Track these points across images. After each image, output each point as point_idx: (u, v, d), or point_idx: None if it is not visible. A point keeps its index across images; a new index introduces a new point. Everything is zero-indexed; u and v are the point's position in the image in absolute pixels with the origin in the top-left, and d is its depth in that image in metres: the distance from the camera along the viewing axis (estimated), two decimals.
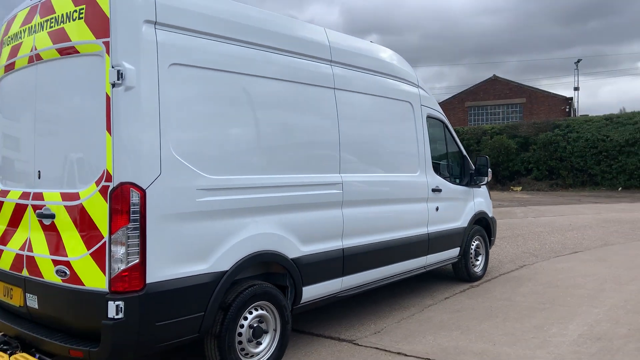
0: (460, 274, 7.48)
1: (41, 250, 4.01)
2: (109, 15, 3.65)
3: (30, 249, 4.11)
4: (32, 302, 4.06)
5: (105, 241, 3.63)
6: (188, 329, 3.94)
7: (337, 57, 5.39)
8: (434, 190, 6.63)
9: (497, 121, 41.09)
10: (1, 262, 4.44)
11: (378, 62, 6.04)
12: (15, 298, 4.27)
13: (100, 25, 3.69)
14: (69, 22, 3.88)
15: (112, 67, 3.60)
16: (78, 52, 3.84)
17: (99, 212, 3.67)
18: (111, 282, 3.60)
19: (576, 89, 46.23)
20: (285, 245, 4.63)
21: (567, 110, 42.69)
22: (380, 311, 6.25)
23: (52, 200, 3.98)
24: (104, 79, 3.65)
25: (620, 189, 25.73)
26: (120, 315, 3.54)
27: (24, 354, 3.91)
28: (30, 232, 4.15)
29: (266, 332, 4.50)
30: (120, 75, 3.57)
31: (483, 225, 7.79)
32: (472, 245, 7.51)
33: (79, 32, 3.81)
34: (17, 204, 4.32)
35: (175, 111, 3.85)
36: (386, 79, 6.09)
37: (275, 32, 4.77)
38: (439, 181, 6.77)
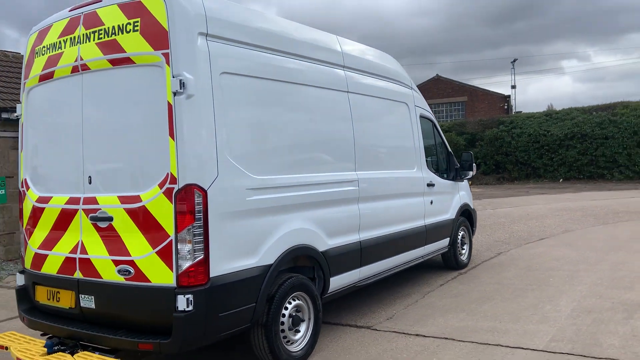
0: (449, 262, 8.03)
1: (97, 252, 4.18)
2: (167, 29, 3.89)
3: (84, 252, 4.26)
4: (88, 302, 4.22)
5: (171, 240, 3.86)
6: (243, 319, 4.22)
7: (348, 63, 5.78)
8: (428, 185, 7.14)
9: (441, 119, 42.50)
10: (45, 267, 4.55)
11: (380, 66, 6.48)
12: (64, 300, 4.41)
13: (158, 37, 3.92)
14: (122, 34, 4.07)
15: (174, 77, 3.84)
16: (133, 63, 4.04)
17: (164, 213, 3.89)
18: (179, 277, 3.84)
19: (513, 87, 48.47)
20: (316, 239, 4.97)
21: (505, 107, 44.71)
22: (385, 300, 6.68)
23: (108, 203, 4.15)
24: (164, 88, 3.88)
25: (561, 180, 27.40)
26: (190, 308, 3.79)
27: (86, 352, 4.08)
28: (82, 235, 4.30)
29: (303, 320, 4.83)
30: (182, 84, 3.82)
31: (466, 216, 8.38)
32: (459, 235, 8.09)
33: (134, 44, 4.01)
34: (63, 210, 4.44)
35: (225, 117, 4.13)
36: (387, 82, 6.54)
37: (304, 41, 5.12)
38: (432, 176, 7.28)
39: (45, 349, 4.18)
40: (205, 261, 3.90)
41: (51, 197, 4.59)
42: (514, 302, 6.32)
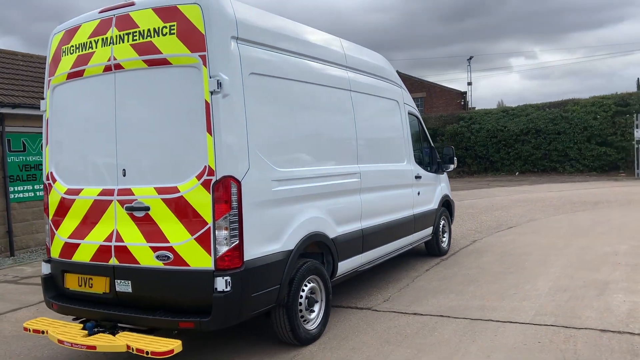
0: (431, 249, 8.60)
1: (134, 239, 4.47)
2: (203, 32, 4.21)
3: (119, 240, 4.54)
4: (124, 287, 4.50)
5: (209, 227, 4.21)
6: (270, 299, 4.61)
7: (350, 63, 6.22)
8: (416, 177, 7.67)
9: None
10: (77, 255, 4.80)
11: (374, 65, 6.94)
12: (98, 286, 4.67)
13: (195, 40, 4.24)
14: (158, 36, 4.36)
15: (211, 77, 4.18)
16: (170, 64, 4.34)
17: (201, 202, 4.23)
18: (217, 261, 4.20)
19: (469, 83, 50.02)
20: (327, 226, 5.40)
21: (462, 103, 46.10)
22: (379, 284, 7.18)
23: (145, 194, 4.45)
24: (201, 87, 4.21)
25: (517, 173, 28.69)
26: (228, 289, 4.15)
27: (126, 332, 4.38)
28: (117, 224, 4.58)
29: (317, 301, 5.25)
30: (219, 84, 4.17)
31: (446, 206, 8.97)
32: (441, 224, 8.66)
33: (171, 46, 4.31)
34: (96, 201, 4.70)
35: (253, 114, 4.49)
36: (380, 80, 7.01)
37: (317, 44, 5.54)
38: (419, 169, 7.82)
39: (85, 331, 4.46)
40: (240, 246, 4.27)
41: (82, 189, 4.83)
42: (496, 284, 6.92)
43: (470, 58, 50.04)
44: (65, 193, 4.94)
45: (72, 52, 4.87)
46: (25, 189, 11.37)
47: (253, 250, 4.39)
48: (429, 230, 8.23)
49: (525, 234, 10.45)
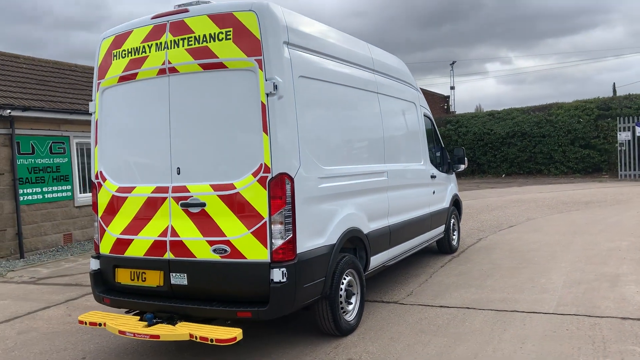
0: (442, 247, 8.91)
1: (190, 234, 4.67)
2: (259, 38, 4.45)
3: (174, 235, 4.74)
4: (180, 279, 4.70)
5: (265, 221, 4.44)
6: (317, 291, 4.85)
7: (376, 67, 6.50)
8: (431, 176, 7.98)
9: None
10: (130, 251, 4.98)
11: (395, 69, 7.24)
12: (151, 280, 4.86)
13: (251, 45, 4.47)
14: (214, 41, 4.58)
15: (267, 80, 4.41)
16: (226, 67, 4.56)
17: (257, 198, 4.46)
18: (272, 254, 4.43)
19: (452, 87, 50.93)
20: (362, 223, 5.66)
21: (445, 107, 46.82)
22: (399, 280, 7.45)
23: (200, 191, 4.66)
24: (258, 89, 4.45)
25: (503, 175, 29.30)
26: (284, 280, 4.38)
27: (185, 322, 4.58)
28: (172, 220, 4.77)
29: (354, 294, 5.51)
30: (274, 87, 4.41)
31: (456, 205, 9.30)
32: (451, 222, 8.99)
33: (227, 51, 4.54)
34: (149, 198, 4.90)
35: (301, 115, 4.73)
36: (400, 83, 7.31)
37: (352, 49, 5.84)
38: (433, 169, 8.13)
39: (144, 322, 4.64)
40: (294, 240, 4.51)
41: (134, 187, 5.02)
42: (512, 278, 7.25)
43: (453, 63, 51.01)
44: (116, 191, 5.12)
45: (123, 56, 5.06)
46: (34, 191, 11.42)
47: (304, 244, 4.63)
48: (442, 228, 8.54)
49: (528, 232, 10.84)
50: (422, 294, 6.76)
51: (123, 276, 5.06)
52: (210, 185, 4.64)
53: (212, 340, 4.21)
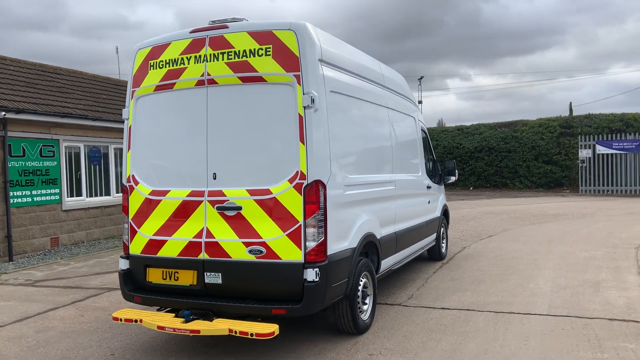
0: (433, 254, 9.39)
1: (225, 236, 4.96)
2: (298, 55, 4.82)
3: (210, 236, 5.02)
4: (214, 279, 4.98)
5: (300, 225, 4.78)
6: (341, 291, 5.21)
7: (386, 83, 6.95)
8: (427, 187, 8.47)
9: None
10: (163, 251, 5.23)
11: (399, 84, 7.72)
12: (184, 279, 5.12)
13: (289, 62, 4.83)
14: (254, 56, 4.92)
15: (305, 94, 4.78)
16: (264, 81, 4.91)
17: (293, 203, 4.80)
18: (306, 255, 4.77)
19: (420, 102, 52.10)
20: (376, 228, 6.06)
21: None
22: (397, 285, 7.87)
23: (237, 195, 4.96)
24: (295, 102, 4.81)
25: (471, 188, 30.31)
26: (317, 279, 4.73)
27: (220, 319, 4.86)
28: (207, 222, 5.06)
29: (368, 295, 5.88)
30: (312, 100, 4.78)
31: (445, 215, 9.82)
32: (441, 231, 9.49)
33: (266, 66, 4.88)
34: (184, 201, 5.17)
35: (332, 127, 5.12)
36: (403, 98, 7.79)
37: (368, 66, 6.30)
38: (428, 180, 8.62)
39: (181, 319, 4.90)
40: (325, 242, 4.86)
41: (168, 191, 5.28)
42: (502, 283, 7.77)
43: (421, 78, 52.29)
44: (150, 194, 5.37)
45: (161, 66, 5.33)
46: (23, 194, 11.39)
47: (333, 246, 4.99)
48: (434, 236, 9.02)
49: (507, 242, 11.47)
50: (422, 297, 7.19)
51: (155, 275, 5.29)
52: (247, 190, 4.95)
53: (252, 335, 4.51)
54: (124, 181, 5.61)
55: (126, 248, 5.53)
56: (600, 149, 25.94)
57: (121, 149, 14.47)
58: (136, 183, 5.48)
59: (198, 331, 4.68)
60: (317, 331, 5.86)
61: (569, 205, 19.76)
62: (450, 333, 5.69)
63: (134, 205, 5.48)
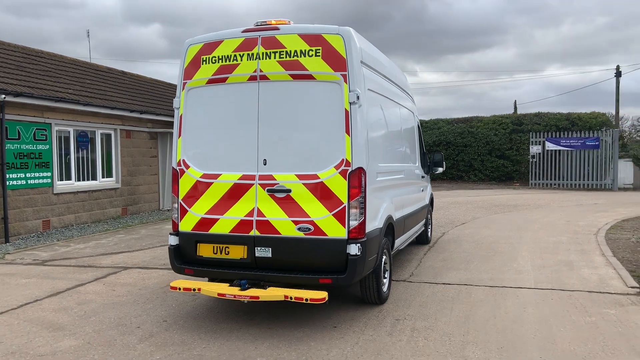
0: (421, 238, 10.28)
1: (275, 215, 5.60)
2: (345, 57, 5.50)
3: (261, 215, 5.65)
4: (264, 252, 5.62)
5: (344, 206, 5.48)
6: (372, 264, 5.95)
7: (396, 80, 7.73)
8: (422, 177, 9.33)
9: None
10: (215, 228, 5.80)
11: (403, 81, 8.51)
12: (235, 253, 5.73)
13: (337, 62, 5.50)
14: (304, 56, 5.57)
15: (351, 92, 5.47)
16: (314, 79, 5.56)
17: (338, 187, 5.49)
18: (349, 232, 5.48)
19: None
20: (393, 212, 6.84)
21: None
22: (396, 264, 8.69)
23: (286, 179, 5.60)
24: (342, 98, 5.49)
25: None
26: (359, 253, 5.46)
27: (274, 287, 5.52)
28: (258, 203, 5.68)
29: (387, 270, 6.67)
30: (357, 97, 5.48)
31: (431, 203, 10.73)
32: (428, 217, 10.40)
33: (316, 65, 5.53)
34: (236, 184, 5.76)
35: (368, 120, 5.84)
36: (406, 94, 8.59)
37: (387, 67, 7.08)
38: (421, 171, 9.48)
39: (237, 287, 5.53)
40: (364, 221, 5.59)
41: (220, 174, 5.86)
42: (489, 263, 8.74)
43: None
44: (201, 177, 5.93)
45: (213, 61, 5.88)
46: (18, 176, 11.51)
47: (369, 225, 5.73)
48: (424, 221, 9.92)
49: (480, 228, 12.55)
50: (422, 275, 8.04)
51: (205, 250, 5.87)
52: (296, 175, 5.60)
53: (306, 300, 5.21)
54: (174, 165, 6.13)
55: (175, 226, 6.07)
56: (550, 146, 27.78)
57: (107, 134, 14.68)
58: (187, 167, 6.03)
59: (257, 297, 5.33)
60: (343, 303, 6.58)
61: (524, 197, 21.26)
62: (458, 302, 6.55)
63: (185, 187, 6.02)
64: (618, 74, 37.35)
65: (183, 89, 6.08)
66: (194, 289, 5.61)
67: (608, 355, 4.87)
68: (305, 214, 5.56)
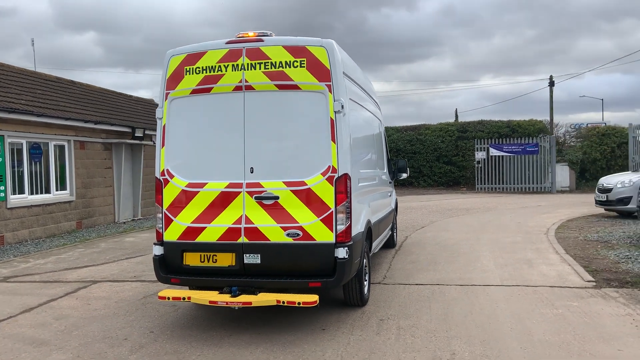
0: (388, 242, 10.57)
1: (264, 222, 5.72)
2: (329, 67, 5.72)
3: (249, 222, 5.75)
4: (253, 259, 5.72)
5: (332, 211, 5.68)
6: (356, 267, 6.16)
7: (369, 91, 8.03)
8: (389, 182, 9.66)
9: None
10: (202, 237, 5.86)
11: (372, 90, 8.83)
12: (223, 261, 5.80)
13: (322, 73, 5.71)
14: (289, 67, 5.74)
15: (335, 101, 5.69)
16: (299, 89, 5.74)
17: (325, 193, 5.68)
18: (337, 236, 5.68)
19: None
20: (370, 216, 7.09)
21: None
22: None
23: (274, 187, 5.74)
24: (327, 107, 5.70)
25: None
26: (346, 256, 5.67)
27: (265, 293, 5.64)
28: (246, 210, 5.79)
29: (367, 272, 6.90)
30: (342, 106, 5.71)
31: (395, 208, 11.08)
32: (394, 221, 10.74)
33: (301, 76, 5.72)
34: (223, 192, 5.84)
35: (350, 128, 6.07)
36: (374, 102, 8.90)
37: (361, 78, 7.39)
38: (388, 177, 9.82)
39: (227, 295, 5.60)
40: (350, 226, 5.80)
41: (206, 183, 5.92)
42: (455, 264, 9.14)
43: None
44: (186, 186, 5.97)
45: (197, 72, 5.96)
46: None
47: (354, 230, 5.95)
48: (391, 225, 10.24)
49: (440, 231, 13.03)
50: (394, 277, 8.33)
51: (192, 259, 5.91)
52: (283, 182, 5.76)
53: (299, 303, 5.36)
54: (157, 175, 6.14)
55: (160, 235, 6.07)
56: (493, 152, 28.99)
57: (60, 146, 14.28)
58: (171, 176, 6.06)
59: (250, 303, 5.43)
60: (326, 306, 6.74)
61: (473, 201, 22.11)
62: (434, 301, 6.86)
63: (169, 196, 6.04)
64: (551, 83, 39.50)
65: (166, 99, 6.12)
66: (184, 298, 5.65)
67: (580, 342, 5.27)
68: (293, 220, 5.71)
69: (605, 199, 15.10)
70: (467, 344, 5.29)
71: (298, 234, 5.69)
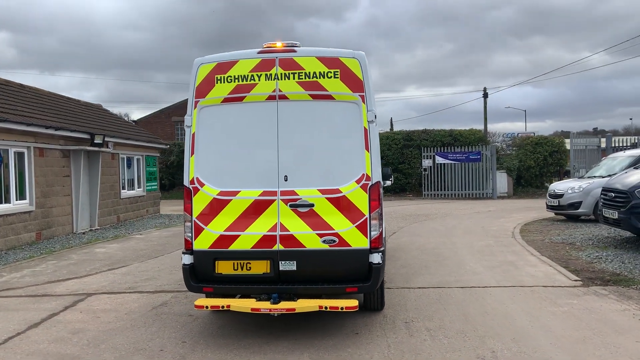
0: None
1: (300, 229, 5.79)
2: (362, 79, 5.91)
3: (284, 230, 5.81)
4: (289, 266, 5.78)
5: (366, 218, 5.85)
6: (384, 272, 6.37)
7: None
8: None
9: None
10: (236, 244, 5.85)
11: None
12: (257, 268, 5.82)
13: (355, 84, 5.89)
14: (323, 78, 5.88)
15: (369, 111, 5.89)
16: (333, 99, 5.88)
17: (360, 200, 5.85)
18: (371, 242, 5.86)
19: None
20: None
21: None
22: None
23: (309, 194, 5.84)
24: (360, 117, 5.88)
25: None
26: (380, 261, 5.86)
27: (304, 299, 5.71)
28: (281, 218, 5.85)
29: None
30: (375, 116, 5.91)
31: None
32: None
33: (335, 86, 5.87)
34: (256, 200, 5.87)
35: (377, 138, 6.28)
36: None
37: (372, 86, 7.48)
38: None
39: (267, 302, 5.63)
40: (382, 232, 6.01)
41: (239, 191, 5.93)
42: (445, 267, 9.53)
43: None
44: (218, 195, 5.95)
45: (229, 81, 5.97)
46: None
47: (383, 235, 6.15)
48: None
49: (413, 237, 13.46)
50: (394, 281, 8.59)
51: (225, 267, 5.89)
52: (318, 189, 5.87)
53: (342, 308, 5.49)
54: (186, 183, 6.07)
55: (189, 244, 6.00)
56: (439, 159, 30.12)
57: (20, 153, 13.59)
58: (201, 185, 6.01)
59: (293, 309, 5.49)
60: (340, 314, 6.88)
61: (426, 207, 22.88)
62: (446, 303, 7.17)
63: (199, 205, 5.99)
64: (485, 95, 41.55)
65: (195, 107, 6.08)
66: (223, 306, 5.62)
67: (600, 336, 5.71)
68: (329, 227, 5.83)
69: (557, 204, 16.14)
70: (500, 342, 5.59)
71: (334, 241, 5.82)
